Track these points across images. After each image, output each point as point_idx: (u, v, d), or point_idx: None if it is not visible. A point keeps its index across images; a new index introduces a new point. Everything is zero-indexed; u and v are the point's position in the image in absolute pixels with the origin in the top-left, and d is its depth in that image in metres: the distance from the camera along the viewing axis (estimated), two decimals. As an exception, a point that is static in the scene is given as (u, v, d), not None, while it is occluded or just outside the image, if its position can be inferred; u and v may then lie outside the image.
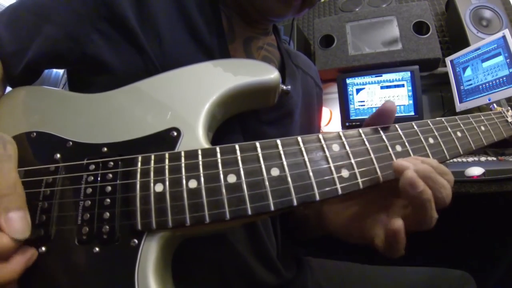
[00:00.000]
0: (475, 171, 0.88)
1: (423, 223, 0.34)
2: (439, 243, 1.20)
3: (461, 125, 0.43)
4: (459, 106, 1.33)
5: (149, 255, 0.30)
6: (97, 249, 0.31)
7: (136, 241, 0.31)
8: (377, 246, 0.37)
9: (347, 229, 0.44)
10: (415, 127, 0.38)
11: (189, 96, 0.39)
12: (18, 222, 0.28)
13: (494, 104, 0.57)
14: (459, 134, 0.41)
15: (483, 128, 0.45)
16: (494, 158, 0.98)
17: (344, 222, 0.44)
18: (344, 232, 0.45)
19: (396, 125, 0.37)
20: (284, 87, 0.47)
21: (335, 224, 0.46)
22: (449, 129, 0.41)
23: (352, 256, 0.70)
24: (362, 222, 0.40)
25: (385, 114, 0.39)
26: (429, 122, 0.40)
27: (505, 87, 1.15)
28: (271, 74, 0.42)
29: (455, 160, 0.99)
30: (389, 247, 0.35)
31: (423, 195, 0.32)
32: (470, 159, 0.99)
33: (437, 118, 0.41)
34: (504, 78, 1.16)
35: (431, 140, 0.38)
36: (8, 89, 0.46)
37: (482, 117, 0.47)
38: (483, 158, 0.99)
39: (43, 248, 0.31)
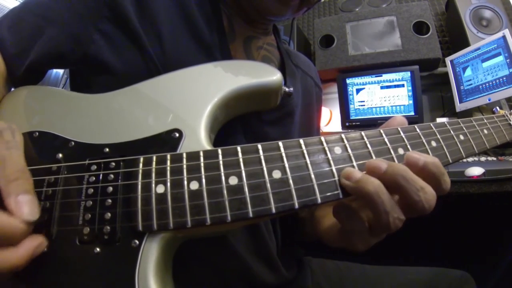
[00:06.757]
0: (475, 171, 0.88)
1: (381, 222, 0.31)
2: (439, 243, 1.20)
3: (464, 128, 0.42)
4: (459, 106, 1.33)
5: (150, 256, 0.30)
6: (98, 249, 0.31)
7: (137, 242, 0.30)
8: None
9: (329, 234, 0.43)
10: (417, 130, 0.37)
11: (191, 97, 0.39)
12: (27, 204, 0.29)
13: (497, 107, 0.57)
14: (461, 137, 0.41)
15: (486, 132, 0.45)
16: (494, 158, 0.98)
17: (327, 226, 0.44)
18: (327, 237, 0.44)
19: (399, 128, 0.37)
20: (287, 89, 0.47)
21: (320, 228, 0.46)
22: (451, 132, 0.40)
23: (352, 256, 0.70)
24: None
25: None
26: (431, 125, 0.39)
27: (505, 87, 1.15)
28: (274, 76, 0.41)
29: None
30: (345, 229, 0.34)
31: (360, 183, 0.30)
32: (470, 159, 0.99)
33: (439, 121, 0.41)
34: (504, 78, 1.16)
35: (433, 144, 0.37)
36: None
37: (485, 120, 0.46)
38: (483, 158, 0.99)
39: (44, 248, 0.31)
